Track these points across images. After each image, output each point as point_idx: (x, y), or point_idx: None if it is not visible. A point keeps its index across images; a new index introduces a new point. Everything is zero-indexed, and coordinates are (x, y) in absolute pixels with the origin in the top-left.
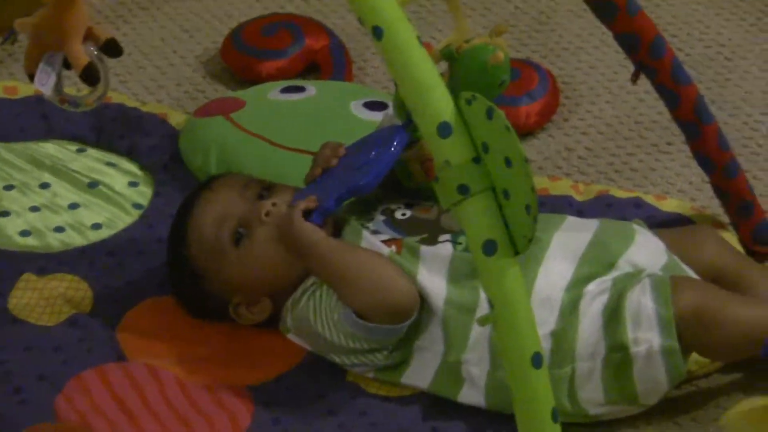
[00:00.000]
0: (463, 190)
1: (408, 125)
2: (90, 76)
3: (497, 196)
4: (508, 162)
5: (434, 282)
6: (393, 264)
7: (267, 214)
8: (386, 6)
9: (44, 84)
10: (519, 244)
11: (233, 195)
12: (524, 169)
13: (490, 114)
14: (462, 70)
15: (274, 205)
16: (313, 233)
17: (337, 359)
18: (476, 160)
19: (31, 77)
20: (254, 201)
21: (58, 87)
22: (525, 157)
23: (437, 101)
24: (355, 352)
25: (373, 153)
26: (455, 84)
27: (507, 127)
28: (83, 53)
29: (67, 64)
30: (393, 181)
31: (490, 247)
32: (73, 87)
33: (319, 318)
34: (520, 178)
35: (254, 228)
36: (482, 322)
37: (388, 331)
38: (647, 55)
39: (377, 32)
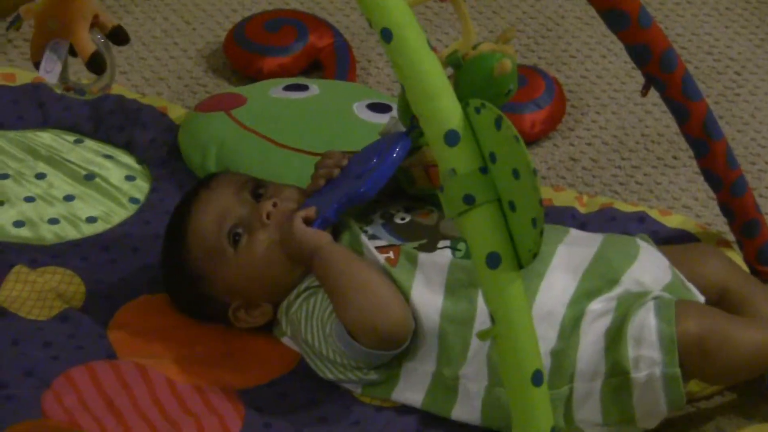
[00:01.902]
0: (469, 200)
1: (411, 131)
2: (96, 64)
3: (503, 207)
4: (515, 173)
5: (430, 295)
6: (391, 286)
7: (268, 216)
8: (396, 8)
9: (49, 72)
10: (523, 257)
11: (232, 195)
12: (532, 181)
13: (498, 124)
14: (468, 77)
15: (274, 205)
16: (315, 238)
17: (320, 373)
18: (483, 170)
19: (36, 65)
20: (253, 202)
21: (63, 75)
22: (534, 169)
23: (445, 109)
24: (343, 368)
25: (375, 160)
26: (461, 91)
27: (516, 138)
28: (90, 41)
29: (72, 52)
30: (395, 186)
31: (493, 260)
32: (75, 75)
33: (309, 326)
34: (528, 190)
35: (255, 230)
36: (482, 336)
37: (376, 356)
38: (658, 67)
39: (386, 35)
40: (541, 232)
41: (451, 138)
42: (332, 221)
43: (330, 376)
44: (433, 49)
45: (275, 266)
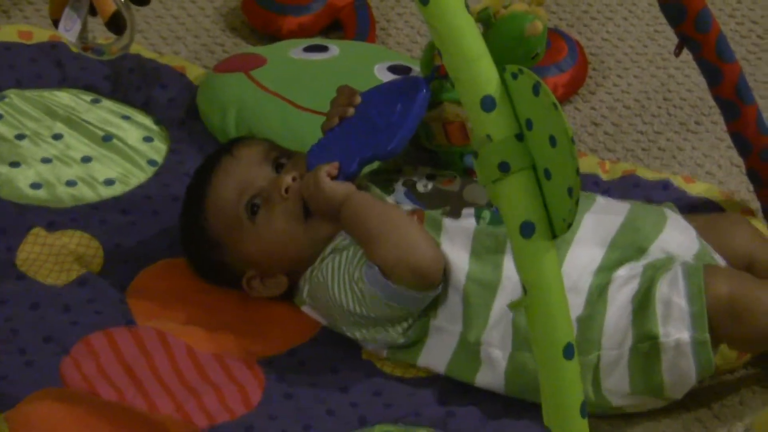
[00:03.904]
0: (504, 167)
1: (431, 80)
2: (116, 24)
3: (538, 175)
4: (552, 141)
5: (457, 255)
6: (422, 228)
7: (287, 191)
8: None
9: (69, 30)
10: (557, 226)
11: (253, 165)
12: (570, 149)
13: (536, 90)
14: (497, 36)
15: (294, 179)
16: (342, 188)
17: (349, 334)
18: (519, 136)
19: (55, 23)
20: (274, 174)
21: (82, 34)
22: (571, 137)
23: (482, 73)
24: (370, 325)
25: (398, 108)
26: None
27: (554, 105)
28: (110, 0)
29: (92, 11)
30: (412, 140)
31: (527, 229)
32: (93, 34)
33: (338, 280)
34: (565, 158)
35: (274, 203)
36: (513, 306)
37: (409, 297)
38: (692, 27)
39: None
40: (577, 202)
41: (488, 103)
42: (355, 175)
43: (357, 335)
44: (466, 5)
45: (292, 239)
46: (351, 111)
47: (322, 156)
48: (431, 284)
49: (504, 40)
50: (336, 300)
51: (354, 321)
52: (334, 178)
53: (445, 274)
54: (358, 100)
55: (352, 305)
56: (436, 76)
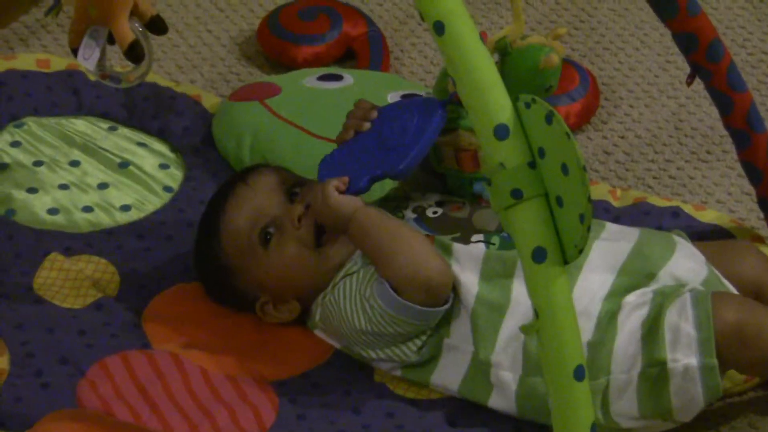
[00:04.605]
0: (517, 194)
1: (447, 103)
2: (135, 53)
3: (550, 202)
4: (564, 169)
5: (466, 277)
6: (431, 244)
7: (299, 220)
8: (449, 1)
9: (88, 59)
10: (569, 252)
11: (267, 193)
12: (582, 177)
13: (549, 119)
14: (513, 66)
15: (307, 207)
16: (351, 203)
17: (364, 353)
18: (531, 164)
19: (74, 51)
20: (287, 202)
21: (101, 62)
22: (583, 166)
23: (496, 102)
24: (383, 344)
25: (412, 128)
26: (503, 79)
27: (567, 134)
28: (129, 30)
29: (110, 40)
30: (423, 162)
31: (539, 255)
32: (110, 63)
33: (350, 300)
34: (577, 186)
35: (286, 232)
36: (526, 330)
37: (420, 313)
38: (704, 57)
39: (439, 27)
40: (588, 228)
41: (501, 132)
42: (363, 191)
43: (372, 354)
44: (483, 34)
45: (303, 267)
46: (367, 126)
47: (333, 169)
48: (440, 299)
49: (519, 70)
50: (348, 321)
51: (367, 341)
52: (342, 192)
53: (456, 293)
54: (375, 114)
55: (364, 324)
56: (453, 101)
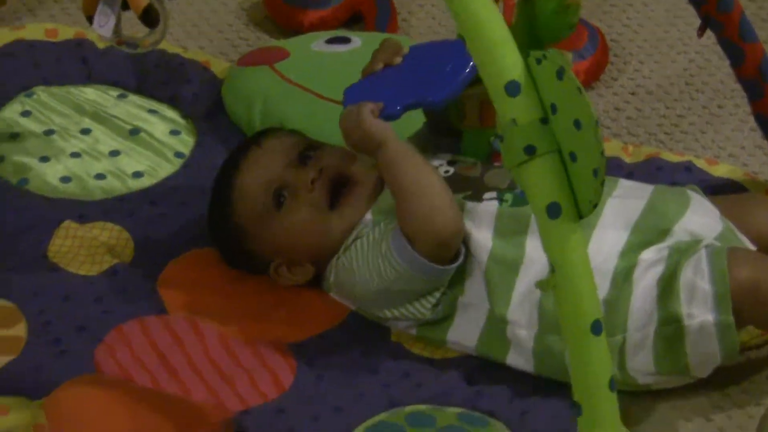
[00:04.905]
0: (529, 150)
1: None
2: (150, 18)
3: (563, 158)
4: (577, 124)
5: (480, 234)
6: (450, 192)
7: (312, 183)
8: None
9: (103, 26)
10: (583, 208)
11: (281, 156)
12: (594, 132)
13: (560, 74)
14: (539, 6)
15: (321, 171)
16: (384, 129)
17: (379, 313)
18: (544, 120)
19: (89, 19)
20: (300, 166)
21: (116, 28)
22: (596, 120)
23: (506, 59)
24: (398, 303)
25: (449, 67)
26: (530, 18)
27: (578, 89)
28: None
29: (124, 5)
30: (442, 118)
31: (553, 210)
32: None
33: (363, 260)
34: (590, 141)
35: (299, 195)
36: (542, 286)
37: (431, 270)
38: (715, 8)
39: None
40: (602, 183)
41: (512, 88)
42: (396, 118)
43: (387, 314)
44: None
45: (316, 230)
46: (398, 59)
47: (361, 96)
48: (450, 251)
49: (546, 8)
50: (361, 281)
51: (380, 301)
52: (375, 116)
53: (469, 251)
54: (406, 50)
55: (377, 282)
56: None
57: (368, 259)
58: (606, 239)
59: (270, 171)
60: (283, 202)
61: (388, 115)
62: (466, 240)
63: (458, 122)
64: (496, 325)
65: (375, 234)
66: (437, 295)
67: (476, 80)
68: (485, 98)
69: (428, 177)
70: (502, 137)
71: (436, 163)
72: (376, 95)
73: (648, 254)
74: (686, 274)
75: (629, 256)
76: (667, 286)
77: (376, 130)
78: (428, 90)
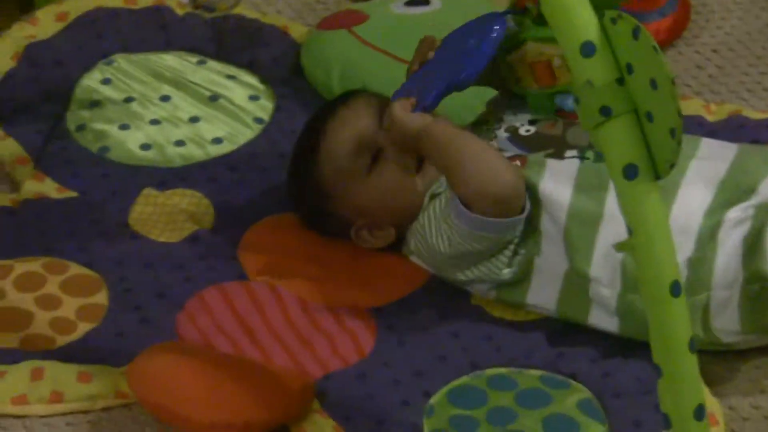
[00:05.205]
0: (606, 111)
1: (507, 13)
2: None
3: (640, 118)
4: (653, 84)
5: (558, 190)
6: (502, 156)
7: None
8: None
9: None
10: (661, 168)
11: (371, 117)
12: (671, 91)
13: (636, 34)
14: None
15: None
16: (418, 120)
17: (456, 275)
18: (620, 81)
19: None
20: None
21: None
22: (672, 79)
23: (581, 19)
24: (472, 263)
25: (471, 41)
26: None
27: (654, 48)
28: None
29: None
30: (502, 86)
31: (631, 171)
32: None
33: (434, 225)
34: (666, 100)
35: (389, 156)
36: (620, 248)
37: (493, 225)
38: None
39: None
40: (680, 143)
41: (588, 49)
42: (432, 108)
43: (463, 277)
44: None
45: (403, 191)
46: (431, 54)
47: (401, 96)
48: (513, 210)
49: None
50: (435, 244)
51: (453, 263)
52: (409, 110)
53: (546, 209)
54: (438, 44)
55: (446, 246)
56: (515, 11)
57: (438, 224)
58: (691, 198)
59: (360, 131)
60: (373, 163)
61: (425, 107)
62: (542, 197)
63: (516, 87)
64: (577, 284)
65: (444, 199)
66: (509, 253)
67: (519, 43)
68: (534, 59)
69: (474, 145)
70: (577, 98)
71: (516, 124)
72: (413, 92)
73: (734, 213)
74: None
75: (715, 215)
76: (753, 244)
77: (410, 123)
78: (457, 71)
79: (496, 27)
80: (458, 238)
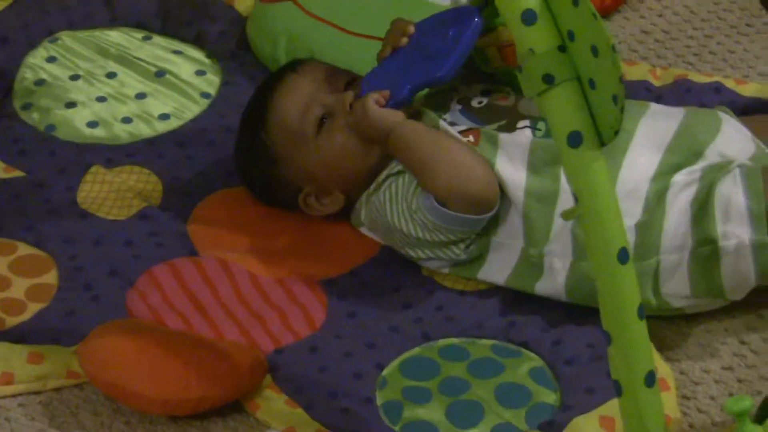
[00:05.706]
0: (548, 79)
1: (483, 8)
2: None
3: (583, 85)
4: (594, 50)
5: (514, 172)
6: (474, 152)
7: (351, 106)
8: None
9: None
10: (605, 134)
11: (319, 82)
12: (612, 57)
13: (575, 1)
14: None
15: (357, 95)
16: (391, 116)
17: (411, 252)
18: (561, 48)
19: None
20: (337, 91)
21: None
22: (613, 45)
23: None
24: (431, 246)
25: (450, 34)
26: None
27: (594, 15)
28: None
29: None
30: (469, 65)
31: (575, 139)
32: None
33: (395, 207)
34: (608, 67)
35: (337, 118)
36: (567, 216)
37: (467, 221)
38: None
39: None
40: (622, 109)
41: (528, 17)
42: (406, 103)
43: (420, 254)
44: None
45: (351, 154)
46: (404, 41)
47: (373, 84)
48: (487, 208)
49: None
50: (396, 225)
51: (414, 243)
52: (383, 104)
53: (503, 192)
54: (411, 30)
55: (413, 230)
56: (489, 3)
57: (401, 208)
58: (638, 163)
59: (308, 94)
60: (322, 126)
61: (397, 101)
62: (499, 180)
63: (485, 67)
64: (531, 260)
65: (406, 179)
66: (472, 236)
67: (490, 29)
68: (501, 42)
69: (447, 145)
70: (520, 66)
71: (470, 94)
72: (386, 82)
73: (681, 176)
74: (721, 193)
75: (662, 179)
76: (702, 206)
77: (382, 118)
78: (431, 67)
79: (471, 30)
80: (428, 226)
